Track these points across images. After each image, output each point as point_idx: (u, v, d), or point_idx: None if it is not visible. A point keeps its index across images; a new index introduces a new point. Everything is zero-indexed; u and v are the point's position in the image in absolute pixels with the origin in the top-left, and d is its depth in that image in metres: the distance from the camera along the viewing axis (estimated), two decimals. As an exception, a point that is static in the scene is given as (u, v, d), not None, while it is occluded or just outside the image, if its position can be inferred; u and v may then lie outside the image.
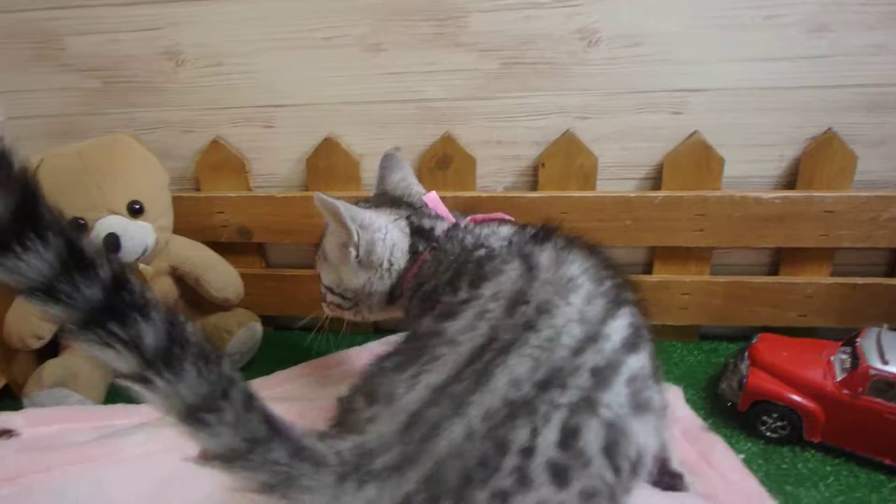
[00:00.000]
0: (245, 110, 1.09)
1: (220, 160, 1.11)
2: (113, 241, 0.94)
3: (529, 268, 0.66)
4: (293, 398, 0.98)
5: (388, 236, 0.80)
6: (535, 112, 1.06)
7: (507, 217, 0.83)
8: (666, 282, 1.12)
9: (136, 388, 0.49)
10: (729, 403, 0.97)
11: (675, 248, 1.10)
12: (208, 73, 1.07)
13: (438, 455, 0.54)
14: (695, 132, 1.04)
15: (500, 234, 0.77)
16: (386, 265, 0.81)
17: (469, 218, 0.83)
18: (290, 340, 1.19)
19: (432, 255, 0.79)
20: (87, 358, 1.05)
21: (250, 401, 0.53)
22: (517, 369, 0.57)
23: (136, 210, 0.98)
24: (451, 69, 1.04)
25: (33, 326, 1.00)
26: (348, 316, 0.88)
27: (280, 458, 0.53)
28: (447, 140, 1.07)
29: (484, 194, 1.09)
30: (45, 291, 0.47)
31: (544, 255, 0.68)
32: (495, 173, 1.10)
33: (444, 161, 1.08)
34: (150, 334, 0.48)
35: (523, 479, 0.53)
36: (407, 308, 0.81)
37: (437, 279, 0.76)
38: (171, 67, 1.07)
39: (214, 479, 0.80)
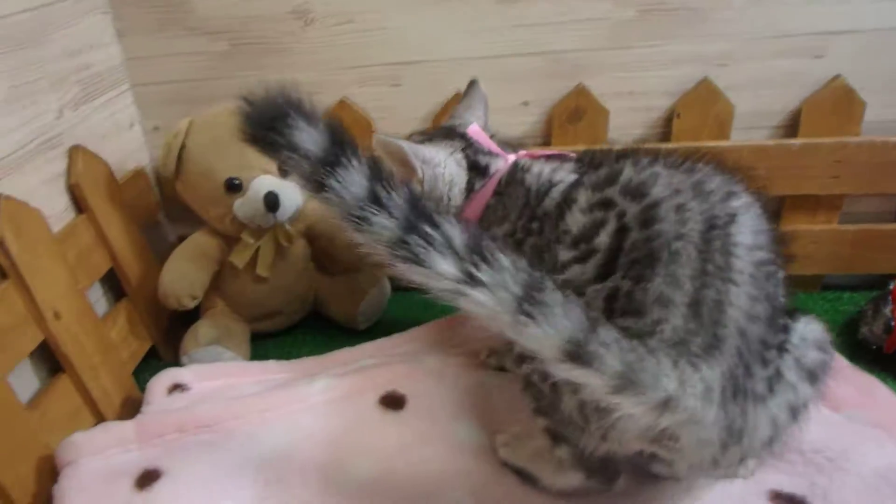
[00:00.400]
0: (373, 69, 1.08)
1: (347, 121, 1.10)
2: (272, 199, 0.94)
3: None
4: (419, 357, 0.99)
5: (447, 171, 0.80)
6: (670, 60, 1.03)
7: (558, 152, 0.82)
8: (794, 231, 1.10)
9: (463, 292, 0.50)
10: (874, 347, 0.97)
11: (805, 197, 1.08)
12: (338, 32, 1.05)
13: (737, 323, 0.59)
14: (837, 76, 1.01)
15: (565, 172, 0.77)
16: (445, 200, 0.80)
17: (523, 153, 0.82)
18: (412, 300, 1.20)
19: (495, 199, 0.79)
20: (233, 318, 1.08)
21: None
22: (743, 240, 0.62)
23: (286, 170, 0.99)
24: (585, 18, 1.01)
25: (188, 287, 1.02)
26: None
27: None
28: (580, 92, 1.05)
29: (616, 146, 1.07)
30: (371, 201, 0.50)
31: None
32: (626, 125, 1.08)
33: (577, 114, 1.07)
34: (456, 233, 0.51)
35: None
36: None
37: (510, 225, 0.77)
38: (299, 27, 1.05)
39: (400, 423, 0.85)
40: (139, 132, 1.16)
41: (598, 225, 0.65)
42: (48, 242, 0.90)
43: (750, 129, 1.07)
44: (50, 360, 0.92)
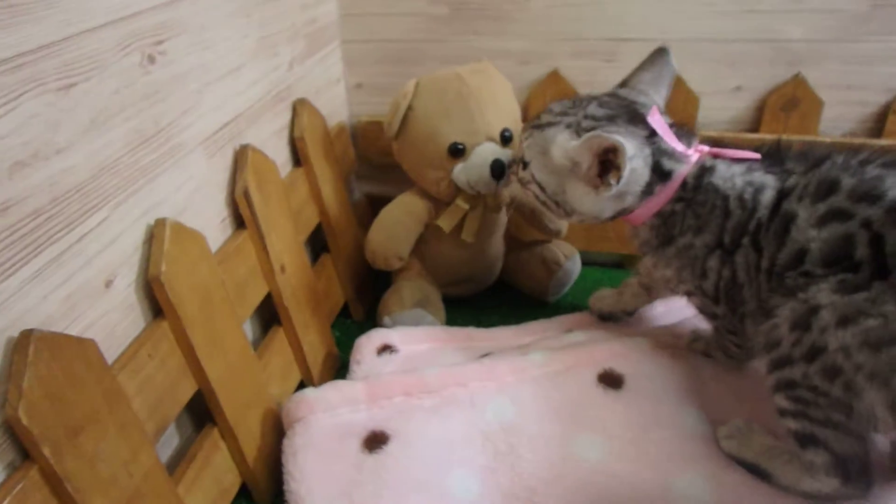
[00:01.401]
0: (589, 42, 1.04)
1: (555, 93, 1.08)
2: (500, 167, 0.92)
3: None
4: (629, 335, 0.96)
5: (636, 168, 0.71)
6: (895, 57, 1.00)
7: (747, 155, 0.73)
8: None
9: None
10: None
11: None
12: (560, 4, 1.02)
13: None
14: None
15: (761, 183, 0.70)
16: (621, 196, 0.73)
17: (708, 151, 0.74)
18: (600, 276, 1.18)
19: (682, 205, 0.72)
20: (429, 280, 1.06)
21: None
22: None
23: (506, 138, 0.96)
24: (818, 9, 0.98)
25: (398, 248, 1.00)
26: (533, 206, 0.81)
27: None
28: (799, 82, 1.02)
29: (827, 139, 1.04)
30: None
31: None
32: (836, 118, 1.05)
33: (792, 103, 1.04)
34: None
35: None
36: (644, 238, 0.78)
37: (711, 236, 0.71)
38: (522, -5, 1.03)
39: (623, 402, 0.82)
40: (342, 88, 1.13)
41: (847, 238, 0.61)
42: (280, 195, 0.88)
43: (962, 133, 1.04)
44: (265, 314, 0.90)
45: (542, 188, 0.77)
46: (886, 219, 0.60)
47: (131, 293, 0.64)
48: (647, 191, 0.72)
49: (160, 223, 0.65)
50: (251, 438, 0.77)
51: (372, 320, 1.04)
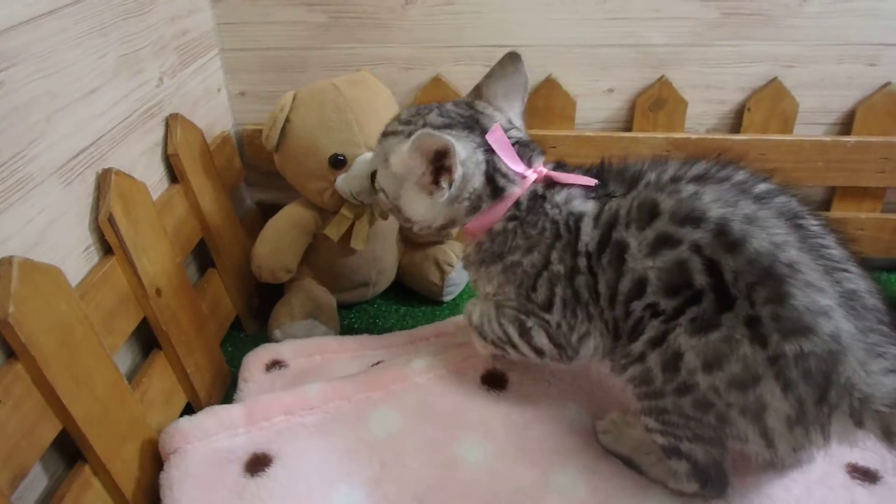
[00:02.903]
0: (468, 49, 1.04)
1: (440, 98, 1.07)
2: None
3: None
4: None
5: (469, 173, 0.69)
6: (746, 59, 1.05)
7: (580, 180, 0.71)
8: (843, 218, 1.15)
9: None
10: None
11: (854, 188, 1.13)
12: (438, 12, 1.00)
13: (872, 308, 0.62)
14: (888, 83, 1.06)
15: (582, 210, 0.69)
16: (454, 203, 0.71)
17: (545, 173, 0.72)
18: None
19: (513, 224, 0.71)
20: (322, 290, 1.03)
21: None
22: (820, 229, 0.64)
23: (388, 147, 0.95)
24: (674, 16, 1.01)
25: (284, 260, 0.97)
26: (387, 212, 0.83)
27: None
28: (664, 84, 1.05)
29: (693, 136, 1.09)
30: None
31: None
32: (700, 115, 1.09)
33: (658, 103, 1.07)
34: None
35: None
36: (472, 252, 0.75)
37: (541, 256, 0.70)
38: (400, 5, 1.00)
39: (506, 402, 0.83)
40: (225, 97, 1.08)
41: (681, 265, 0.61)
42: (152, 217, 0.83)
43: (810, 125, 1.11)
44: (142, 338, 0.86)
45: (385, 195, 0.75)
46: (715, 243, 0.59)
47: (-27, 339, 0.59)
48: (477, 205, 0.71)
49: (5, 262, 0.60)
50: (128, 472, 0.73)
51: (266, 333, 1.01)
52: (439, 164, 0.68)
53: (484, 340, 0.79)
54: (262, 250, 0.96)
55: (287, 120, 0.91)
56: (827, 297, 0.57)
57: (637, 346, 0.65)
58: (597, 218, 0.67)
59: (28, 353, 0.61)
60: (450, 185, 0.68)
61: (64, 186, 0.70)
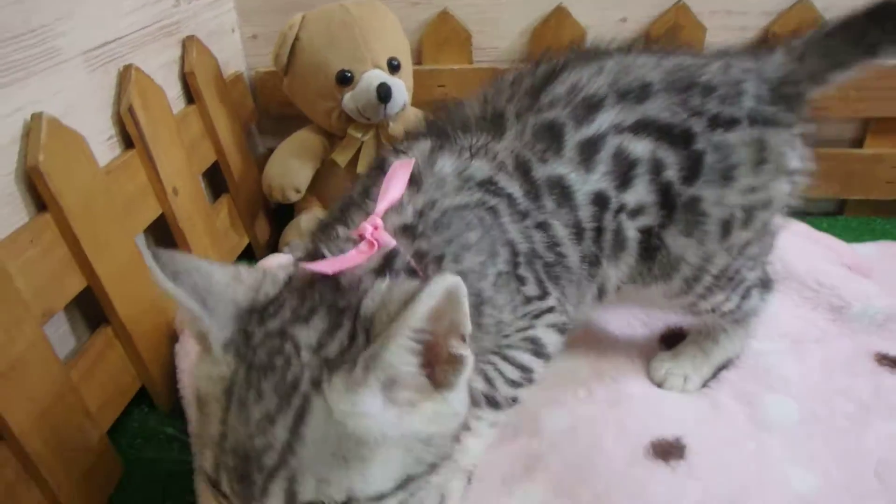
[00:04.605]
0: (474, -19, 1.22)
1: (447, 32, 1.23)
2: (385, 90, 1.05)
3: None
4: None
5: None
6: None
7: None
8: (878, 155, 1.24)
9: None
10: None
11: (890, 121, 1.23)
12: (444, -58, 1.19)
13: None
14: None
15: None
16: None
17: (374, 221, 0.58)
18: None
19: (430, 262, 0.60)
20: (331, 217, 1.19)
21: None
22: None
23: (394, 66, 1.10)
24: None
25: (293, 179, 1.12)
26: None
27: None
28: (680, 8, 1.18)
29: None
30: None
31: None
32: (719, 44, 1.22)
33: (675, 30, 1.21)
34: None
35: None
36: None
37: (492, 267, 0.63)
38: (406, -60, 1.19)
39: None
40: (238, 39, 1.27)
41: (618, 154, 0.67)
42: (169, 121, 1.00)
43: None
44: (160, 239, 1.02)
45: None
46: (624, 107, 0.68)
47: (11, 183, 0.74)
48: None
49: (36, 117, 0.76)
50: (147, 343, 0.87)
51: (275, 260, 1.15)
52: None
53: (490, 422, 0.72)
54: (273, 170, 1.12)
55: (296, 38, 1.08)
56: None
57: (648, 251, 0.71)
58: (501, 170, 0.66)
59: (56, 203, 0.76)
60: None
61: (89, 72, 0.87)
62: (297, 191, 1.13)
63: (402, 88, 1.09)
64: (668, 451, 0.74)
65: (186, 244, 1.00)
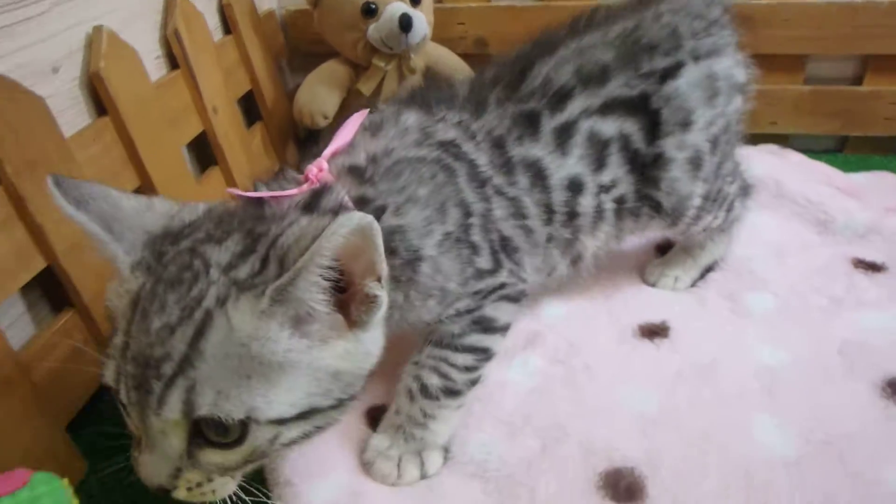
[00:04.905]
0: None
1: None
2: (406, 20, 1.14)
3: None
4: None
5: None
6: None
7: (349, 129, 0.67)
8: (877, 92, 1.31)
9: None
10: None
11: (889, 58, 1.29)
12: None
13: None
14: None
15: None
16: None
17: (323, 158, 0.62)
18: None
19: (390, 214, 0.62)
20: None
21: None
22: None
23: (416, 1, 1.20)
24: None
25: (322, 106, 1.22)
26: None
27: None
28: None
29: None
30: None
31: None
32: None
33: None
34: None
35: None
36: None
37: (440, 226, 0.63)
38: None
39: None
40: (271, -23, 1.37)
41: (592, 136, 0.73)
42: (210, 46, 1.10)
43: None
44: (201, 156, 1.13)
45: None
46: (589, 93, 0.73)
47: (76, 87, 0.85)
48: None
49: (97, 29, 0.87)
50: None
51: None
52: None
53: (454, 410, 0.71)
54: (303, 97, 1.22)
55: (326, -25, 1.18)
56: None
57: (637, 208, 0.78)
58: (472, 140, 0.69)
59: (115, 107, 0.87)
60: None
61: (140, -5, 0.97)
62: (325, 117, 1.23)
63: (422, 20, 1.17)
64: (653, 331, 0.84)
65: (225, 160, 1.11)
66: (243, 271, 0.51)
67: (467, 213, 0.64)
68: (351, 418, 0.76)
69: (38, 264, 0.77)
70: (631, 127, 0.74)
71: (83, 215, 0.53)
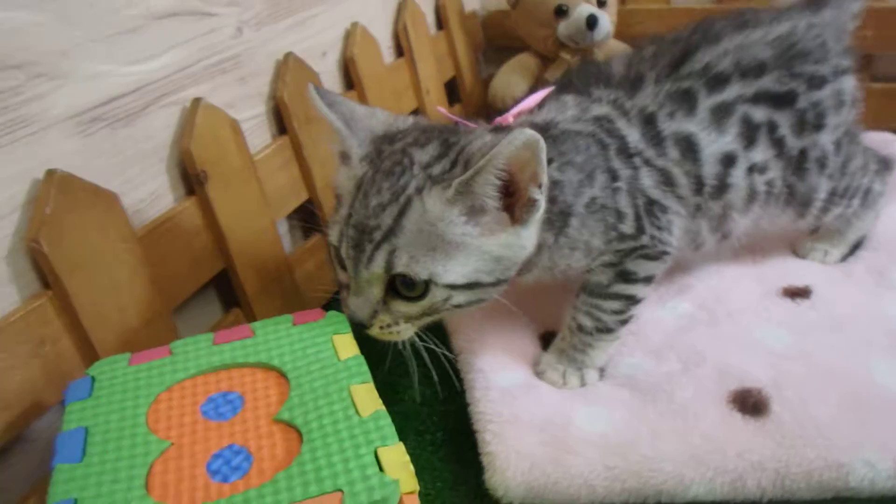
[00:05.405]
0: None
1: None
2: (593, 19, 1.33)
3: None
4: None
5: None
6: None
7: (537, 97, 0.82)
8: None
9: None
10: None
11: None
12: None
13: None
14: None
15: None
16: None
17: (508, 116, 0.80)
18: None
19: (556, 166, 0.75)
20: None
21: None
22: None
23: (601, 2, 1.37)
24: None
25: (513, 91, 1.45)
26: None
27: None
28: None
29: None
30: None
31: None
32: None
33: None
34: None
35: None
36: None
37: (589, 189, 0.76)
38: None
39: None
40: (475, -18, 1.62)
41: (745, 119, 0.83)
42: (427, 39, 1.36)
43: None
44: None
45: (471, 287, 0.69)
46: (746, 84, 0.84)
47: (335, 67, 1.13)
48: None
49: (354, 25, 1.14)
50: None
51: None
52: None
53: (610, 342, 0.86)
54: (499, 83, 1.45)
55: (525, -20, 1.39)
56: None
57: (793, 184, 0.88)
58: (625, 116, 0.80)
59: (360, 83, 1.14)
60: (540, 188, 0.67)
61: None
62: (515, 100, 1.44)
63: (606, 20, 1.35)
64: (796, 293, 0.96)
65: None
66: (437, 169, 0.66)
67: (614, 178, 0.77)
68: (528, 339, 0.95)
69: (304, 196, 1.04)
70: (778, 117, 0.85)
71: (333, 114, 0.70)
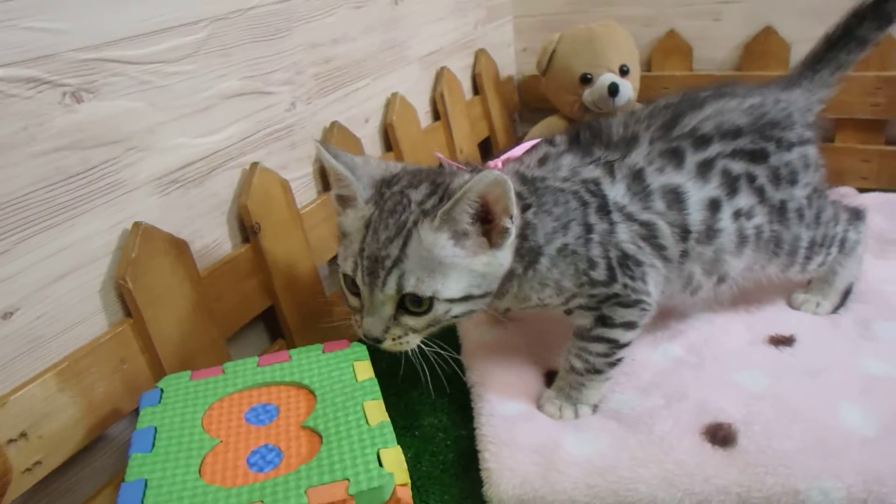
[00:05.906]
0: (697, 7, 1.59)
1: (672, 47, 1.61)
2: (614, 88, 1.48)
3: None
4: None
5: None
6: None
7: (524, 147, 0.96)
8: None
9: None
10: None
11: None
12: (674, -24, 1.59)
13: None
14: None
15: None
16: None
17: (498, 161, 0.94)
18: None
19: (532, 213, 0.86)
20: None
21: None
22: None
23: (624, 71, 1.52)
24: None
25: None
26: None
27: None
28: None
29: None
30: None
31: None
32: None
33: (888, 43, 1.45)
34: None
35: None
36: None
37: (562, 237, 0.87)
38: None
39: None
40: (512, 51, 1.79)
41: (725, 172, 0.93)
42: (462, 105, 1.53)
43: None
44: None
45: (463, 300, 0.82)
46: (727, 144, 0.95)
47: (376, 132, 1.31)
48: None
49: (394, 94, 1.33)
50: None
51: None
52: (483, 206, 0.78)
53: (601, 382, 0.97)
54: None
55: (553, 50, 1.55)
56: None
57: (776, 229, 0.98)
58: (611, 177, 0.90)
59: (398, 146, 1.31)
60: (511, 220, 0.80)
61: (421, 70, 1.43)
62: (542, 159, 1.60)
63: (628, 87, 1.50)
64: (780, 341, 1.06)
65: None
66: (428, 204, 0.80)
67: (589, 231, 0.88)
68: (533, 376, 1.08)
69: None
70: (754, 169, 0.97)
71: (339, 164, 0.82)
